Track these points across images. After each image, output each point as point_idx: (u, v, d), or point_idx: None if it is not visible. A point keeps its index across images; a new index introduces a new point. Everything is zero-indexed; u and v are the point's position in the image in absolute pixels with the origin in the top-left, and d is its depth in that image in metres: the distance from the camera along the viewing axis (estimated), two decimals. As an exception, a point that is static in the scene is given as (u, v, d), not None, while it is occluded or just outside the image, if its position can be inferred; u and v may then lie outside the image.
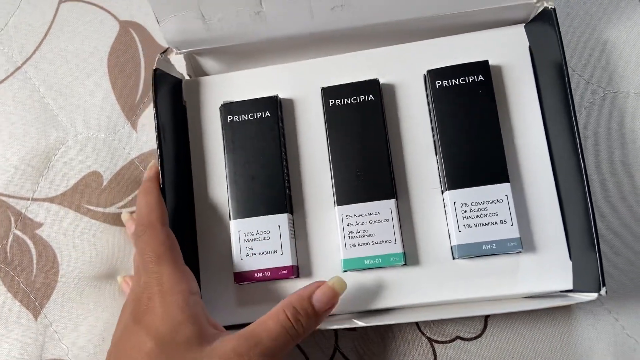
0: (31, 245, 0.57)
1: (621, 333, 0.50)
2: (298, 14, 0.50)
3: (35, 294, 0.56)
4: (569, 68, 0.49)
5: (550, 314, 0.51)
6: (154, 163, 0.51)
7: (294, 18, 0.50)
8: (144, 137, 0.59)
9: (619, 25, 0.55)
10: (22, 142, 0.60)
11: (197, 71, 0.56)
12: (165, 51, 0.52)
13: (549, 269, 0.47)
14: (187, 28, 0.50)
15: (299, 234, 0.51)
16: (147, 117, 0.60)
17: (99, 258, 0.57)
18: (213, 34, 0.51)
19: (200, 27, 0.50)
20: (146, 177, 0.50)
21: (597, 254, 0.43)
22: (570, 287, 0.47)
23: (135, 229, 0.48)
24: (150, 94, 0.59)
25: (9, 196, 0.58)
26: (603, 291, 0.42)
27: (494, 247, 0.46)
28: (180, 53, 0.53)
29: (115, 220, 0.57)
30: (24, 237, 0.58)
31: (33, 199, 0.58)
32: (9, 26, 0.64)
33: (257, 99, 0.52)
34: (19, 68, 0.62)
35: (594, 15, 0.56)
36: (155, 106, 0.50)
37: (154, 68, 0.51)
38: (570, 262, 0.47)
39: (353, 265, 0.48)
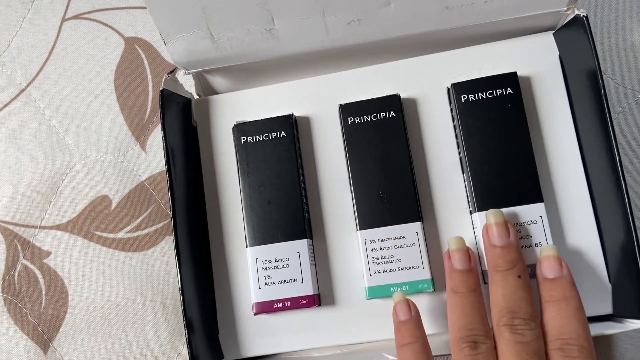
0: (39, 276, 0.55)
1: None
2: (312, 30, 0.47)
3: (43, 326, 0.54)
4: (600, 72, 0.46)
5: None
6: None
7: (308, 34, 0.47)
8: (153, 157, 0.57)
9: (650, 26, 0.53)
10: (28, 168, 0.58)
11: (207, 90, 0.54)
12: (173, 71, 0.50)
13: (587, 292, 0.44)
14: (195, 48, 0.48)
15: (320, 261, 0.48)
16: (157, 137, 0.57)
17: (108, 287, 0.54)
18: (223, 53, 0.48)
19: (209, 47, 0.48)
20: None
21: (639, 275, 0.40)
22: (610, 311, 0.44)
23: None
24: (159, 112, 0.57)
25: (16, 224, 0.56)
26: None
27: (529, 271, 0.43)
28: (189, 73, 0.50)
29: (124, 246, 0.55)
30: (32, 267, 0.55)
31: (41, 227, 0.56)
32: (12, 47, 0.62)
33: (271, 118, 0.49)
34: (23, 90, 0.60)
35: (624, 14, 0.53)
36: (164, 129, 0.47)
37: (161, 89, 0.48)
38: (610, 285, 0.44)
39: (378, 293, 0.45)
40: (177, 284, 0.53)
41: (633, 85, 0.52)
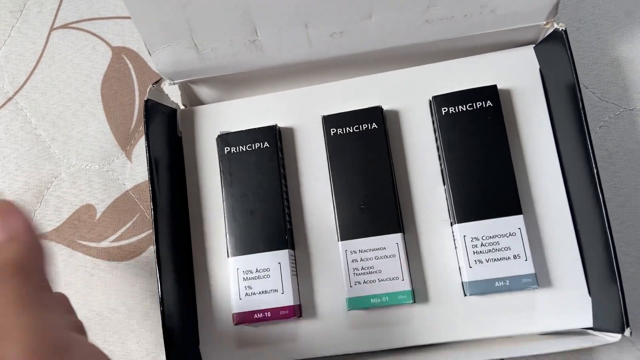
0: (23, 284, 0.55)
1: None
2: (295, 42, 0.47)
3: (27, 335, 0.54)
4: (581, 85, 0.46)
5: (572, 353, 0.48)
6: None
7: (291, 46, 0.47)
8: (139, 167, 0.57)
9: (633, 39, 0.53)
10: (14, 177, 0.58)
11: (193, 100, 0.54)
12: (158, 81, 0.50)
13: (567, 306, 0.44)
14: (179, 59, 0.48)
15: (301, 271, 0.48)
16: (143, 147, 0.57)
17: (91, 296, 0.54)
18: (207, 63, 0.48)
19: (194, 57, 0.48)
20: None
21: (619, 288, 0.40)
22: (591, 324, 0.44)
23: None
24: (145, 122, 0.57)
25: (0, 232, 0.56)
26: (627, 332, 0.40)
27: (507, 283, 0.43)
28: (174, 84, 0.51)
29: (108, 255, 0.55)
30: (16, 275, 0.55)
31: (25, 236, 0.56)
32: (0, 56, 0.62)
33: (255, 128, 0.49)
34: (10, 99, 0.60)
35: (606, 29, 0.53)
36: (147, 139, 0.48)
37: (145, 99, 0.48)
38: (590, 298, 0.44)
39: (358, 304, 0.45)
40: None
41: (614, 99, 0.52)
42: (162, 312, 0.45)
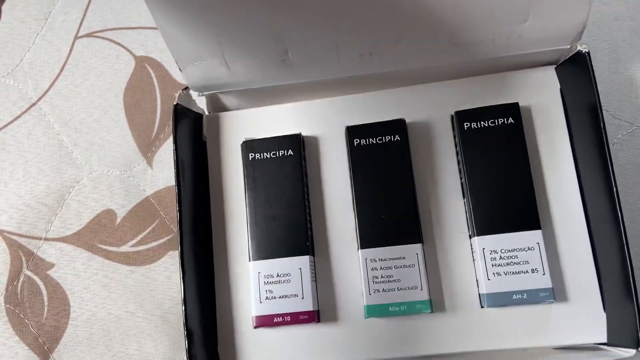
0: (42, 287, 0.56)
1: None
2: (325, 61, 0.48)
3: (44, 337, 0.54)
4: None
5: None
6: None
7: (321, 65, 0.49)
8: (159, 173, 0.58)
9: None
10: (36, 181, 0.59)
11: (218, 107, 0.55)
12: (187, 88, 0.51)
13: (582, 321, 0.45)
14: (210, 75, 0.49)
15: (321, 278, 0.49)
16: (163, 154, 0.59)
17: (110, 299, 0.55)
18: (237, 79, 0.50)
19: (224, 74, 0.49)
20: None
21: (635, 304, 0.41)
22: (605, 339, 0.45)
23: None
24: (167, 130, 0.58)
25: (21, 235, 0.57)
26: None
27: (524, 297, 0.44)
28: (202, 95, 0.52)
29: (127, 259, 0.56)
30: (35, 278, 0.56)
31: (46, 239, 0.57)
32: (24, 62, 0.63)
33: (280, 136, 0.50)
34: (33, 105, 0.61)
35: (618, 47, 0.55)
36: (175, 142, 0.49)
37: (174, 103, 0.49)
38: (604, 314, 0.45)
39: (377, 312, 0.46)
40: (178, 298, 0.54)
41: (627, 117, 0.53)
42: (185, 312, 0.46)
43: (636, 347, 0.41)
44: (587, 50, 0.46)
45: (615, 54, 0.55)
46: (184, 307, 0.46)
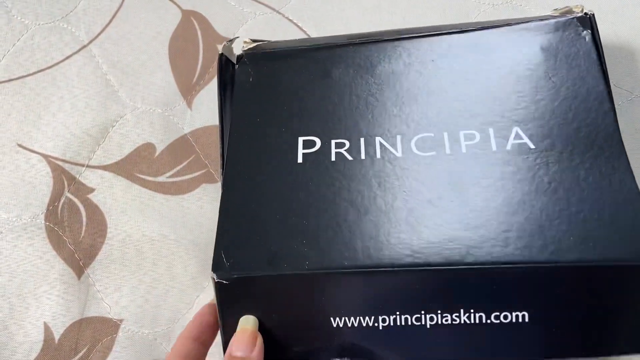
0: (82, 209, 0.59)
1: None
2: None
3: (80, 253, 0.58)
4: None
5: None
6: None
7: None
8: (197, 115, 0.62)
9: None
10: (83, 113, 0.62)
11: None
12: (232, 40, 0.55)
13: None
14: None
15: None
16: (202, 98, 0.63)
17: (146, 224, 0.58)
18: None
19: None
20: None
21: None
22: None
23: None
24: (206, 77, 0.62)
25: (65, 161, 0.61)
26: None
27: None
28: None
29: (163, 189, 0.59)
30: (76, 200, 0.59)
31: (88, 166, 0.61)
32: (78, 9, 0.67)
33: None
34: (84, 47, 0.65)
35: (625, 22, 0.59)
36: (220, 84, 0.53)
37: (219, 53, 0.53)
38: None
39: None
40: (208, 226, 0.58)
41: (628, 87, 0.57)
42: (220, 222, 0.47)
43: None
44: (592, 13, 0.49)
45: (618, 30, 0.59)
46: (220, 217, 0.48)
